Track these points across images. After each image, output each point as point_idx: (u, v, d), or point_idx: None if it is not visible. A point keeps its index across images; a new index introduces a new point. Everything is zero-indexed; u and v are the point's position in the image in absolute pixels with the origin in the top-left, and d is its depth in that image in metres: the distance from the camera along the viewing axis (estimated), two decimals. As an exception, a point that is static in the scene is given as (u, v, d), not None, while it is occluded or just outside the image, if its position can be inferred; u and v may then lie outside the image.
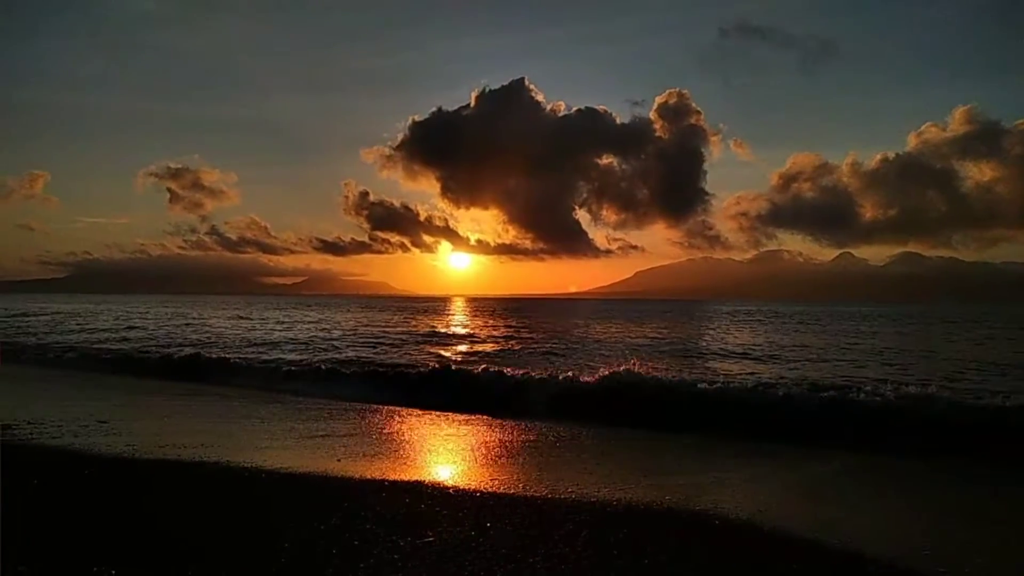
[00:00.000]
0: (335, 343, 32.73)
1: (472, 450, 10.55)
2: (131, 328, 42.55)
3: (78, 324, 46.15)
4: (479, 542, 5.80)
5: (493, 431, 12.20)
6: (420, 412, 14.50)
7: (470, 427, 12.76)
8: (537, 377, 16.90)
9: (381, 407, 15.02)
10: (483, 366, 19.38)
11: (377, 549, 5.50)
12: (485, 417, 13.84)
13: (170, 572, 4.98)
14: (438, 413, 14.37)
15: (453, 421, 13.44)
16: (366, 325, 50.09)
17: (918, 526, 7.11)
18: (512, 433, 11.99)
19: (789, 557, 5.84)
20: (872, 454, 10.94)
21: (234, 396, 16.58)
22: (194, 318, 57.68)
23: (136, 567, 5.05)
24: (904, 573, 5.56)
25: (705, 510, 7.19)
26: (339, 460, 9.11)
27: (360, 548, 5.52)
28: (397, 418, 13.60)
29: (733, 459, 10.44)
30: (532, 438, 11.49)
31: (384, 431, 11.92)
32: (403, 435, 11.72)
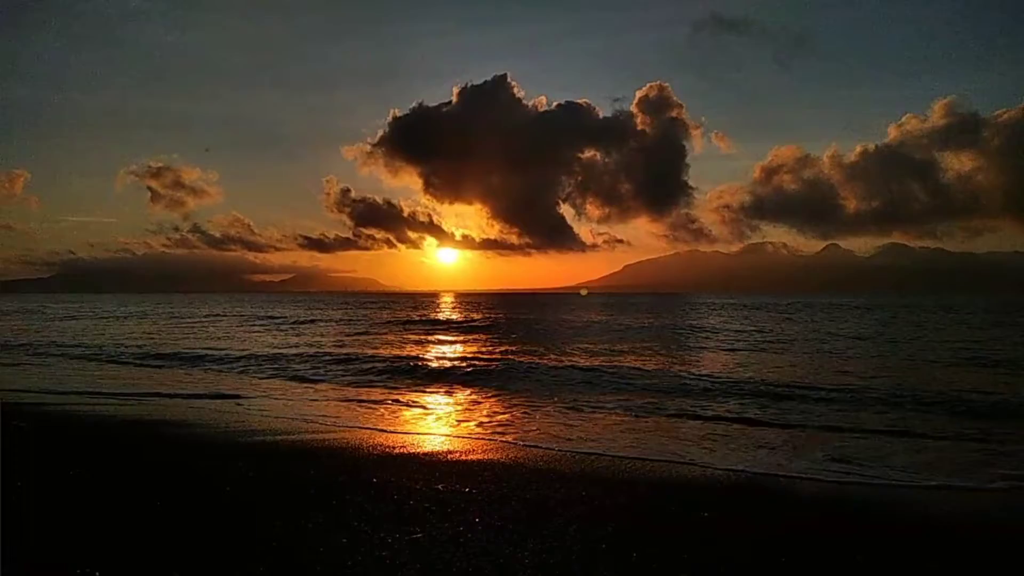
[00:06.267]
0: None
1: (460, 448, 10.54)
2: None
3: None
4: (467, 537, 5.79)
5: (480, 430, 12.21)
6: (406, 411, 14.48)
7: (459, 426, 12.76)
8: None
9: (367, 406, 14.97)
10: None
11: (364, 546, 5.49)
12: (473, 416, 13.84)
13: (154, 574, 4.94)
14: (423, 411, 14.36)
15: (440, 421, 13.44)
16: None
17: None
18: (500, 432, 11.99)
19: (778, 542, 5.88)
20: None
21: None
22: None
23: (118, 569, 5.01)
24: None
25: (694, 503, 7.22)
26: (326, 458, 9.09)
27: (347, 545, 5.51)
28: (383, 418, 13.58)
29: (714, 443, 10.48)
30: (520, 435, 11.50)
31: (373, 430, 11.89)
32: (391, 434, 11.70)
